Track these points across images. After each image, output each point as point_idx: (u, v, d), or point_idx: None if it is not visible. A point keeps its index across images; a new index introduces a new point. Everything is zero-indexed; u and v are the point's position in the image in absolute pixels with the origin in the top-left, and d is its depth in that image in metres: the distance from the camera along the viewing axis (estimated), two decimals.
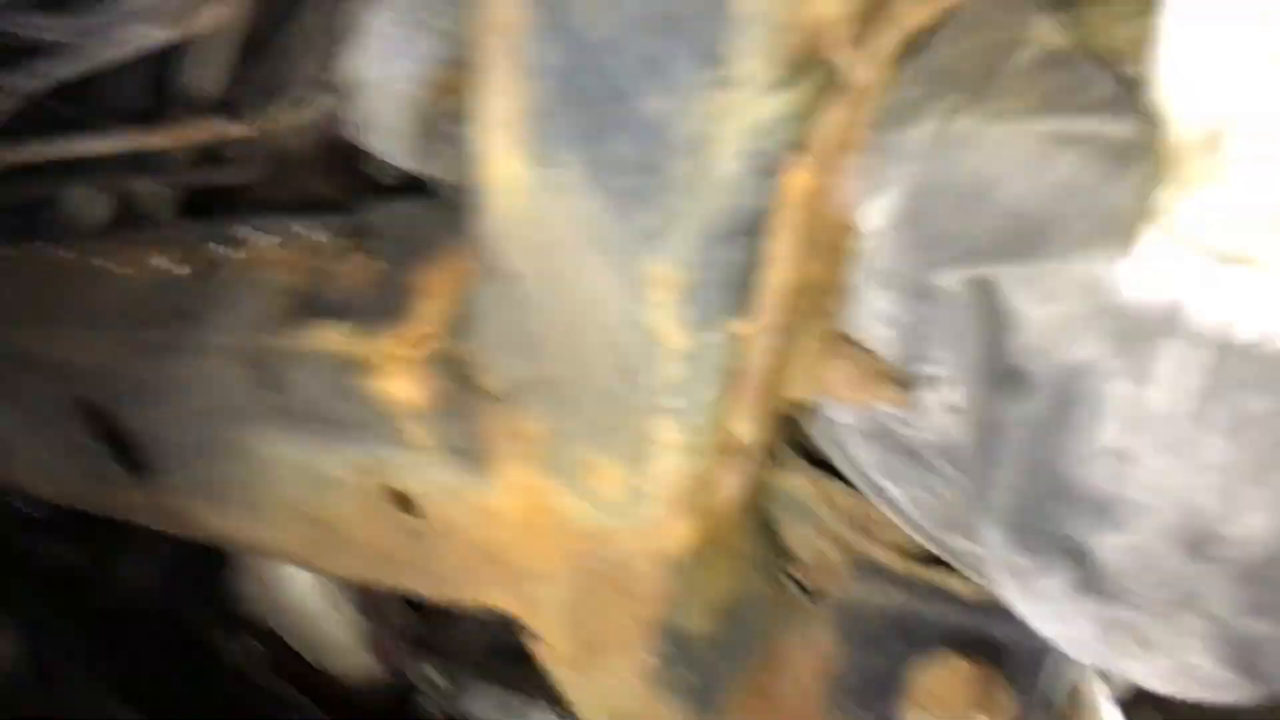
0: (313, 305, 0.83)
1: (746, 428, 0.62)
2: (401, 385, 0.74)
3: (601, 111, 0.54)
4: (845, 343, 0.61)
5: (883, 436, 0.64)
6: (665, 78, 0.50)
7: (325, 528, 0.89)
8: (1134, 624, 0.48)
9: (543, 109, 0.56)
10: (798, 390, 0.63)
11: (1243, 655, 0.46)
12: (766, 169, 0.51)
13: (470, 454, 0.74)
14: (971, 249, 0.44)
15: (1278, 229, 0.40)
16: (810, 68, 0.49)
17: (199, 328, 0.89)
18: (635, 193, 0.54)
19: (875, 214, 0.45)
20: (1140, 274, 0.41)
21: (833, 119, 0.50)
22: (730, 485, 0.68)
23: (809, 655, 0.82)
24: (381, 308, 0.78)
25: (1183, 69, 0.41)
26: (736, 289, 0.56)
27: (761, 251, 0.55)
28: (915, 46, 0.50)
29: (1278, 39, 0.38)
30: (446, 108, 0.81)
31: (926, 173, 0.43)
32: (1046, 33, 0.44)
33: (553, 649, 0.80)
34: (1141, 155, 0.40)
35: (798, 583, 0.83)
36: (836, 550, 0.81)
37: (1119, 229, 0.40)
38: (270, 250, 0.92)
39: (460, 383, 0.72)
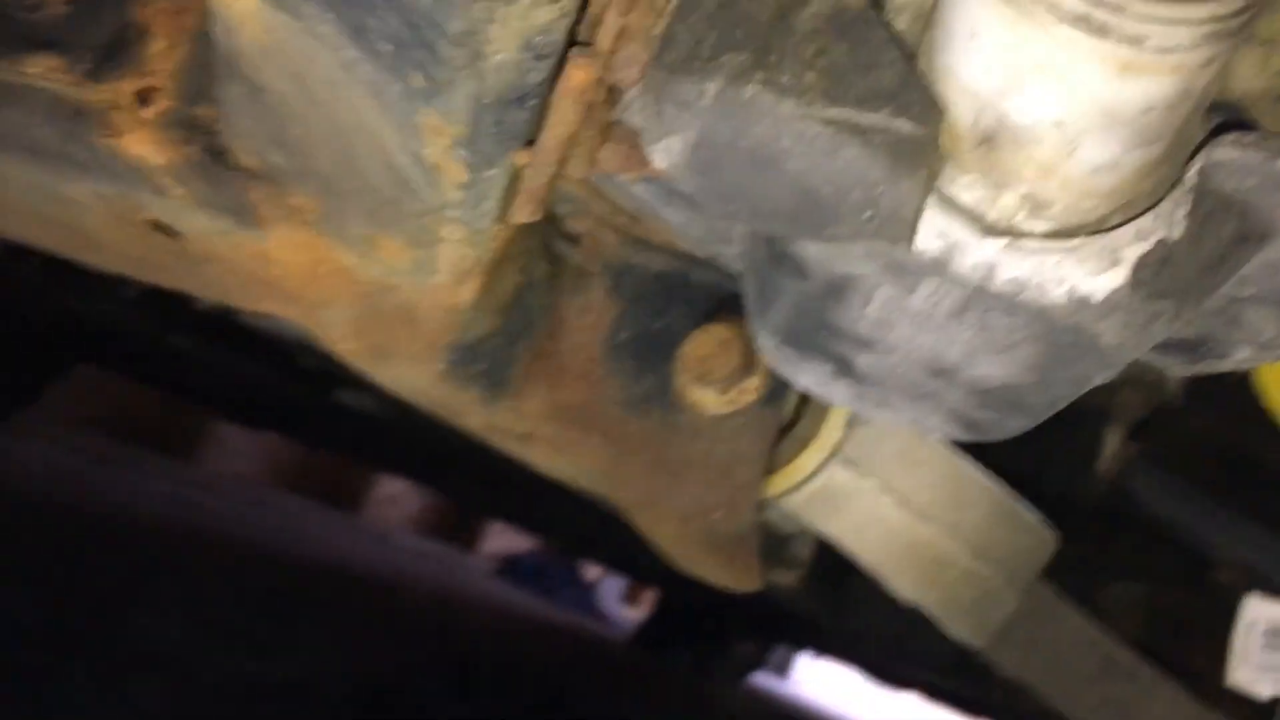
0: (8, 27, 0.73)
1: (529, 213, 0.63)
2: (139, 145, 0.69)
3: None
4: (618, 129, 0.62)
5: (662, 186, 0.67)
6: None
7: (77, 232, 0.86)
8: (882, 398, 0.57)
9: None
10: (576, 172, 0.64)
11: (968, 424, 0.57)
12: (542, 57, 0.49)
13: (236, 212, 0.72)
14: (758, 211, 0.45)
15: (1034, 217, 0.43)
16: None
17: None
18: (406, 59, 0.50)
19: (663, 153, 0.45)
20: (918, 236, 0.44)
21: (615, 11, 0.47)
22: (514, 248, 0.70)
23: (587, 318, 0.89)
24: (96, 42, 0.70)
25: (959, 61, 0.41)
26: (513, 138, 0.55)
27: (540, 110, 0.53)
28: None
29: (1042, 43, 0.39)
30: None
31: (714, 129, 0.43)
32: None
33: (342, 348, 0.84)
34: (924, 152, 0.41)
35: (573, 256, 0.88)
36: (610, 231, 0.85)
37: (901, 225, 0.42)
38: None
39: (210, 153, 0.68)
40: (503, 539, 6.02)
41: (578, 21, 0.49)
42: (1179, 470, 1.54)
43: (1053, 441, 1.47)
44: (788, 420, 0.87)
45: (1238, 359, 0.58)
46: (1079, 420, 1.54)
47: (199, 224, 0.75)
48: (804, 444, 0.86)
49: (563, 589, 5.88)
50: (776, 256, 0.52)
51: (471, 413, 0.89)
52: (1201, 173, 0.43)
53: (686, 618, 4.52)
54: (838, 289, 0.50)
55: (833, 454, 0.84)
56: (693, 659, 4.54)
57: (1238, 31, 0.38)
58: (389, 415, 1.73)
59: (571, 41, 0.49)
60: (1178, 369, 0.61)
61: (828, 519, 0.85)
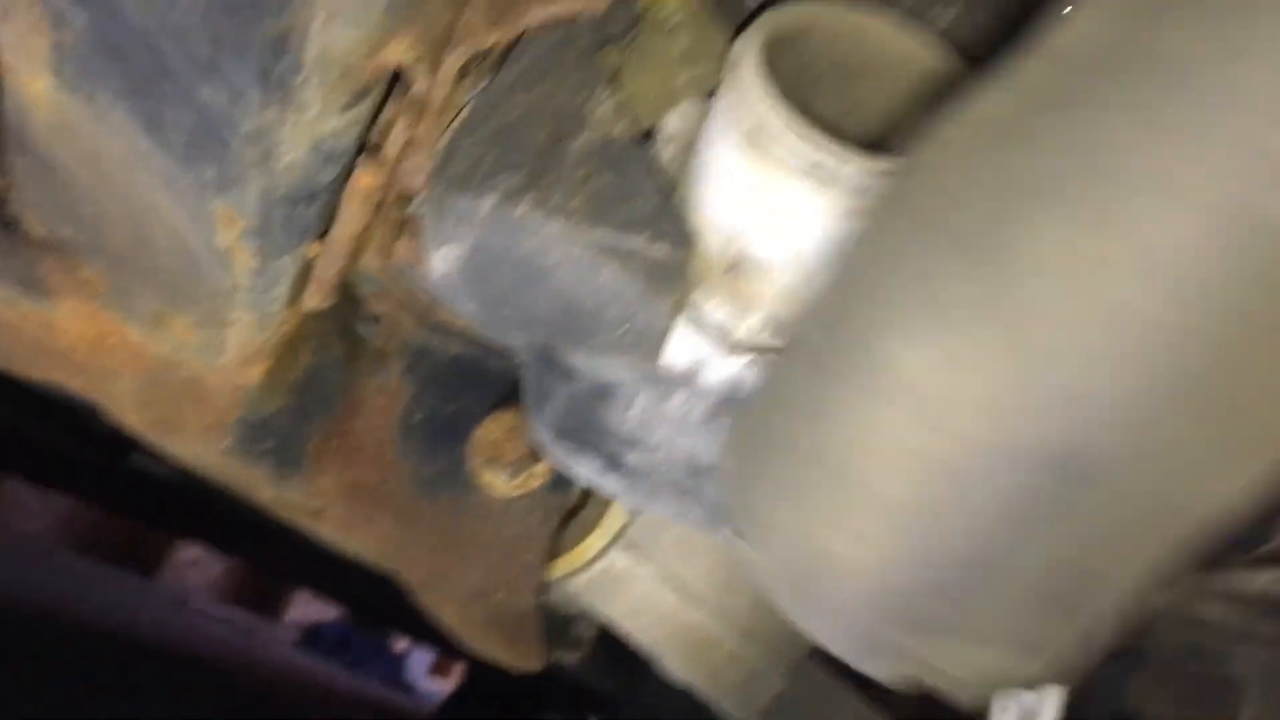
0: None
1: (319, 300, 0.65)
2: None
3: (151, 80, 0.50)
4: (414, 224, 0.65)
5: None
6: (227, 85, 0.47)
7: None
8: (650, 491, 0.61)
9: (76, 54, 0.51)
10: (372, 263, 0.67)
11: (723, 515, 0.61)
12: (331, 160, 0.51)
13: (25, 281, 0.71)
14: (526, 319, 0.49)
15: (775, 336, 0.48)
16: (377, 88, 0.48)
17: None
18: (199, 152, 0.52)
19: (441, 259, 0.48)
20: (670, 351, 0.48)
21: (403, 124, 0.51)
22: (307, 330, 0.71)
23: (383, 398, 0.91)
24: None
25: (711, 197, 0.46)
26: (305, 232, 0.57)
27: (330, 207, 0.55)
28: (484, 63, 0.50)
29: (780, 188, 0.44)
30: None
31: (487, 242, 0.46)
32: (605, 115, 0.47)
33: (129, 420, 0.83)
34: (675, 277, 0.46)
35: (372, 336, 0.90)
36: (409, 315, 0.87)
37: (652, 342, 0.46)
38: None
39: (2, 221, 0.67)
40: (309, 607, 5.82)
41: (369, 129, 0.51)
42: None
43: None
44: (575, 505, 0.90)
45: None
46: None
47: None
48: (589, 529, 0.89)
49: (369, 660, 5.70)
50: (548, 360, 0.55)
51: (261, 488, 0.89)
52: None
53: (495, 690, 4.46)
54: (602, 393, 0.53)
55: (615, 539, 0.88)
56: None
57: None
58: (186, 480, 1.69)
59: (361, 148, 0.52)
60: None
61: (607, 602, 0.88)
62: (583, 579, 0.88)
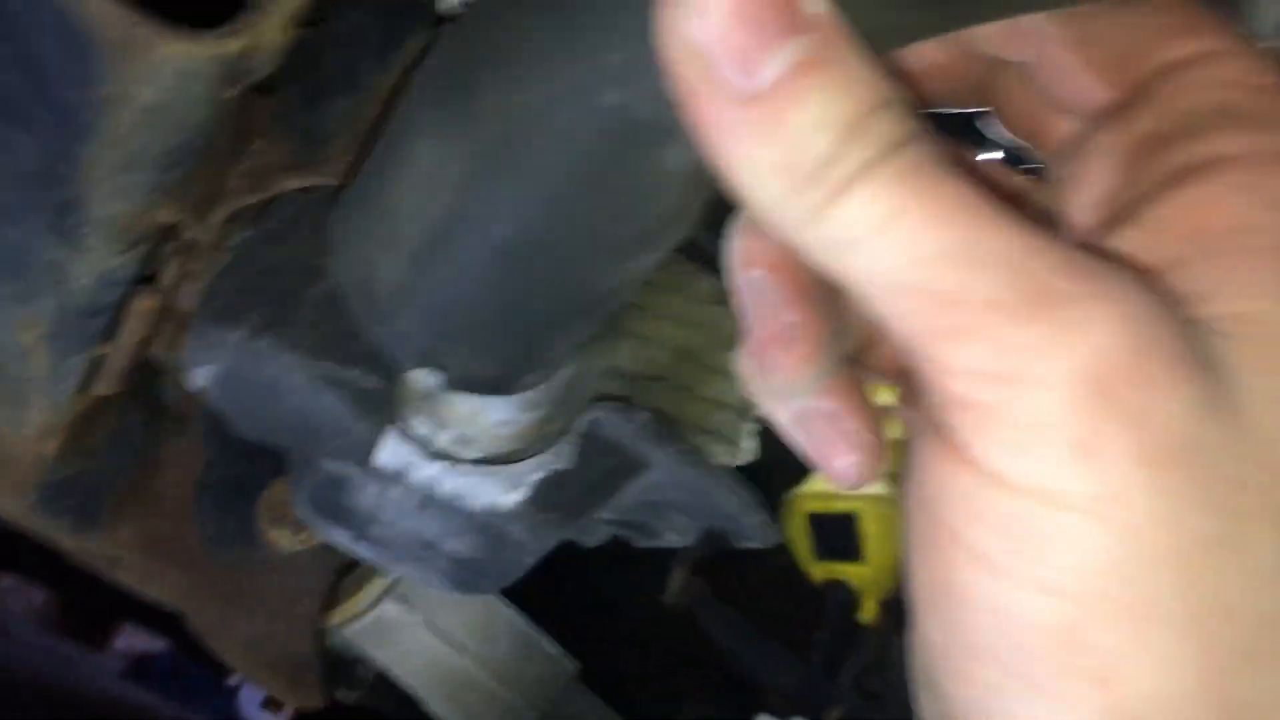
0: None
1: (109, 388, 0.76)
2: None
3: None
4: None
5: None
6: (25, 228, 0.58)
7: None
8: (394, 558, 0.73)
9: None
10: (161, 351, 0.77)
11: (456, 583, 0.73)
12: (114, 286, 0.63)
13: None
14: (268, 429, 0.61)
15: (464, 449, 0.61)
16: (153, 236, 0.60)
17: None
18: (4, 273, 0.63)
19: (200, 376, 0.60)
20: (383, 453, 0.61)
21: (175, 261, 0.62)
22: (106, 405, 0.82)
23: (183, 460, 1.01)
24: None
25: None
26: (94, 337, 0.68)
27: (116, 319, 0.67)
28: (244, 216, 0.62)
29: None
30: None
31: (237, 364, 0.58)
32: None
33: None
34: (381, 402, 0.58)
35: (174, 402, 1.00)
36: None
37: (364, 450, 0.59)
38: None
39: None
40: (136, 638, 5.72)
41: (148, 262, 0.63)
42: (744, 600, 1.78)
43: (629, 577, 1.69)
44: (352, 560, 1.02)
45: (669, 539, 0.78)
46: (651, 560, 1.78)
47: None
48: (364, 581, 1.00)
49: (200, 693, 5.63)
50: (296, 455, 0.67)
51: (62, 539, 0.98)
52: (588, 424, 0.63)
53: None
54: (339, 483, 0.66)
55: (387, 591, 0.99)
56: None
57: None
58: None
59: (142, 277, 0.63)
60: (639, 541, 0.80)
61: (378, 647, 1.00)
62: (357, 626, 0.99)
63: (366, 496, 0.66)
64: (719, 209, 0.37)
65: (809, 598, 1.72)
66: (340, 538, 0.75)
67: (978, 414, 0.28)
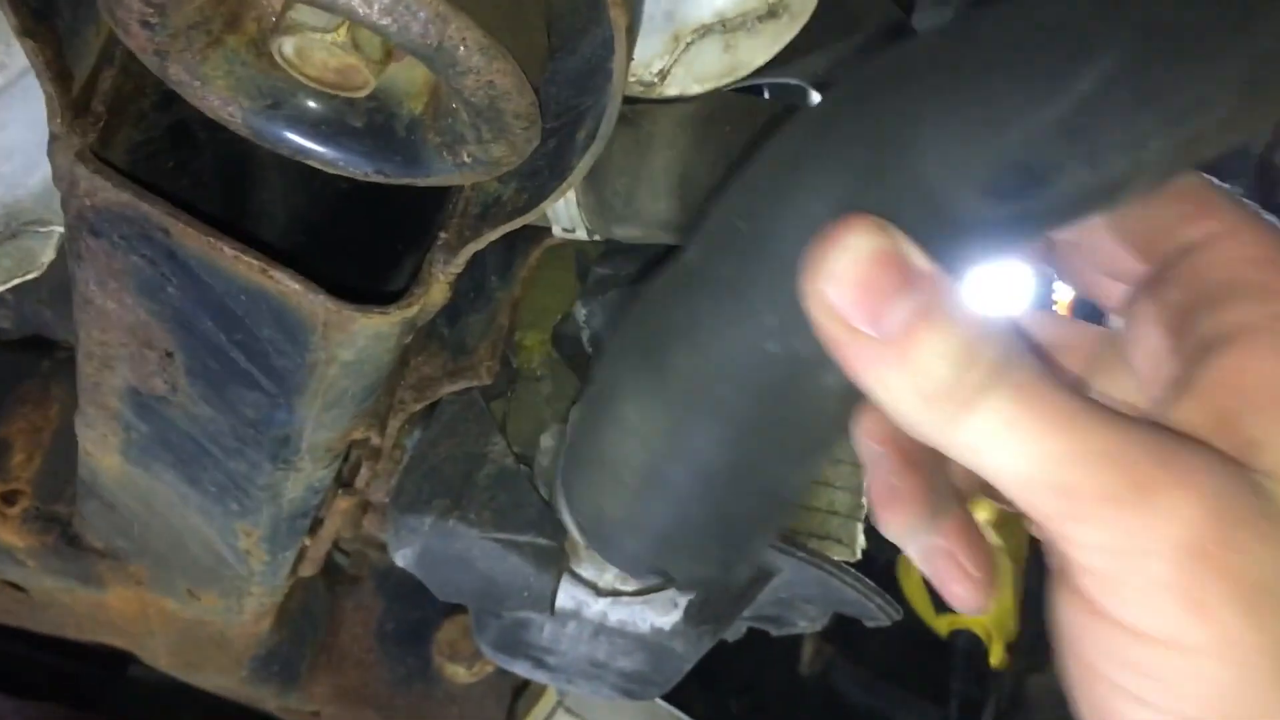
0: None
1: (311, 570, 0.89)
2: (6, 535, 0.91)
3: (193, 458, 0.74)
4: (373, 507, 0.89)
5: None
6: (248, 461, 0.72)
7: None
8: (569, 679, 0.84)
9: (139, 444, 0.75)
10: (346, 533, 0.91)
11: (625, 691, 0.84)
12: (318, 493, 0.76)
13: (82, 578, 0.94)
14: (461, 593, 0.74)
15: (625, 583, 0.73)
16: (347, 450, 0.73)
17: None
18: (226, 495, 0.76)
19: (401, 557, 0.72)
20: (560, 598, 0.73)
21: (366, 466, 0.76)
22: (298, 584, 0.95)
23: (359, 614, 1.14)
24: None
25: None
26: (301, 534, 0.81)
27: (318, 517, 0.80)
28: (412, 421, 0.75)
29: None
30: None
31: (431, 544, 0.71)
32: (499, 453, 0.72)
33: (160, 665, 1.05)
34: (555, 557, 0.71)
35: (347, 565, 1.14)
36: (374, 548, 1.11)
37: (544, 600, 0.71)
38: None
39: (65, 539, 0.91)
40: None
41: (342, 470, 0.76)
42: (872, 659, 1.86)
43: (764, 654, 1.79)
44: (522, 682, 1.14)
45: (801, 627, 0.89)
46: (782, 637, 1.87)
47: (47, 584, 0.96)
48: (535, 699, 1.12)
49: None
50: (485, 609, 0.80)
51: (267, 701, 1.12)
52: None
53: None
54: (522, 624, 0.78)
55: (556, 706, 1.11)
56: None
57: None
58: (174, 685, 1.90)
59: (341, 482, 0.77)
60: (774, 631, 0.91)
61: None
62: None
63: (545, 633, 0.78)
64: None
65: (931, 649, 1.79)
66: (521, 668, 0.87)
67: (1102, 579, 0.34)
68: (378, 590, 1.15)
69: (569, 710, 1.10)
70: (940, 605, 1.67)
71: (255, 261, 0.57)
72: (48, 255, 0.72)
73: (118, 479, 0.80)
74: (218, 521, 0.80)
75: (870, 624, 0.83)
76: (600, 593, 0.73)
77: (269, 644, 1.02)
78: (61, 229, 0.72)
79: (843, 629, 1.91)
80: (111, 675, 1.95)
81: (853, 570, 0.77)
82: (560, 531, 0.72)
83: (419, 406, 0.74)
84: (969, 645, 1.63)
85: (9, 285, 0.72)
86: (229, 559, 0.84)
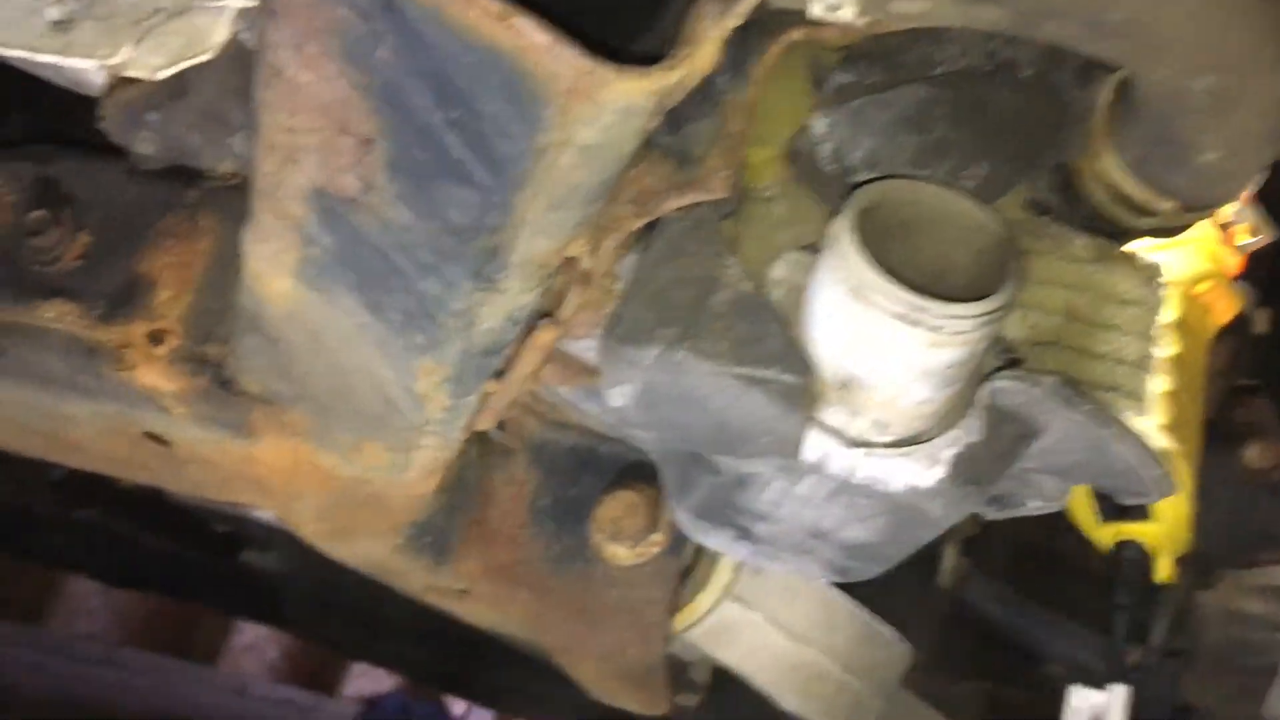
0: (24, 277, 0.87)
1: (489, 424, 0.80)
2: (152, 377, 0.83)
3: (379, 278, 0.65)
4: (557, 354, 0.80)
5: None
6: (444, 280, 0.62)
7: (59, 441, 0.98)
8: (773, 554, 0.75)
9: (319, 263, 0.66)
10: (526, 387, 0.81)
11: (839, 570, 0.74)
12: (517, 324, 0.66)
13: (234, 427, 0.86)
14: (688, 437, 0.63)
15: (880, 433, 0.63)
16: (557, 272, 0.63)
17: None
18: (413, 325, 0.67)
19: (617, 396, 0.63)
20: (805, 446, 0.63)
21: (574, 293, 0.66)
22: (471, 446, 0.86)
23: (512, 488, 1.05)
24: (107, 291, 0.85)
25: (823, 333, 0.61)
26: (487, 375, 0.72)
27: (508, 356, 0.70)
28: (632, 242, 0.65)
29: (876, 327, 0.59)
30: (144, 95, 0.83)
31: (654, 380, 0.61)
32: (735, 277, 0.62)
33: (305, 530, 0.98)
34: (803, 395, 0.60)
35: (499, 437, 1.05)
36: (531, 416, 1.02)
37: (790, 445, 0.61)
38: None
39: (217, 382, 0.82)
40: (364, 680, 5.96)
41: (546, 298, 0.66)
42: (1006, 577, 1.76)
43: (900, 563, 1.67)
44: (686, 566, 1.05)
45: (1031, 507, 0.78)
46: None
47: (192, 435, 0.89)
48: (701, 586, 1.03)
49: None
50: (696, 459, 0.70)
51: (416, 576, 1.04)
52: (990, 395, 0.64)
53: None
54: (743, 481, 0.68)
55: (725, 593, 1.02)
56: None
57: (1001, 318, 0.58)
58: (285, 571, 1.84)
59: (541, 313, 0.67)
60: (991, 514, 0.81)
61: (723, 648, 1.02)
62: (700, 630, 1.02)
63: (768, 495, 0.68)
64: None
65: (1076, 570, 1.68)
66: (718, 539, 0.78)
67: None
68: (532, 464, 1.06)
69: (738, 598, 1.01)
70: (1107, 514, 1.55)
71: (494, 6, 0.47)
72: (219, 34, 0.63)
73: (288, 308, 0.71)
74: (397, 358, 0.71)
75: (1132, 500, 0.72)
76: (850, 443, 0.63)
77: (430, 510, 0.94)
78: (236, 2, 0.62)
79: (983, 538, 1.80)
80: (217, 563, 1.91)
81: (1135, 430, 0.66)
82: (806, 369, 0.61)
83: (640, 223, 0.64)
84: (1136, 558, 1.51)
85: (176, 68, 0.63)
86: (402, 405, 0.75)
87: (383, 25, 0.50)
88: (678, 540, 1.02)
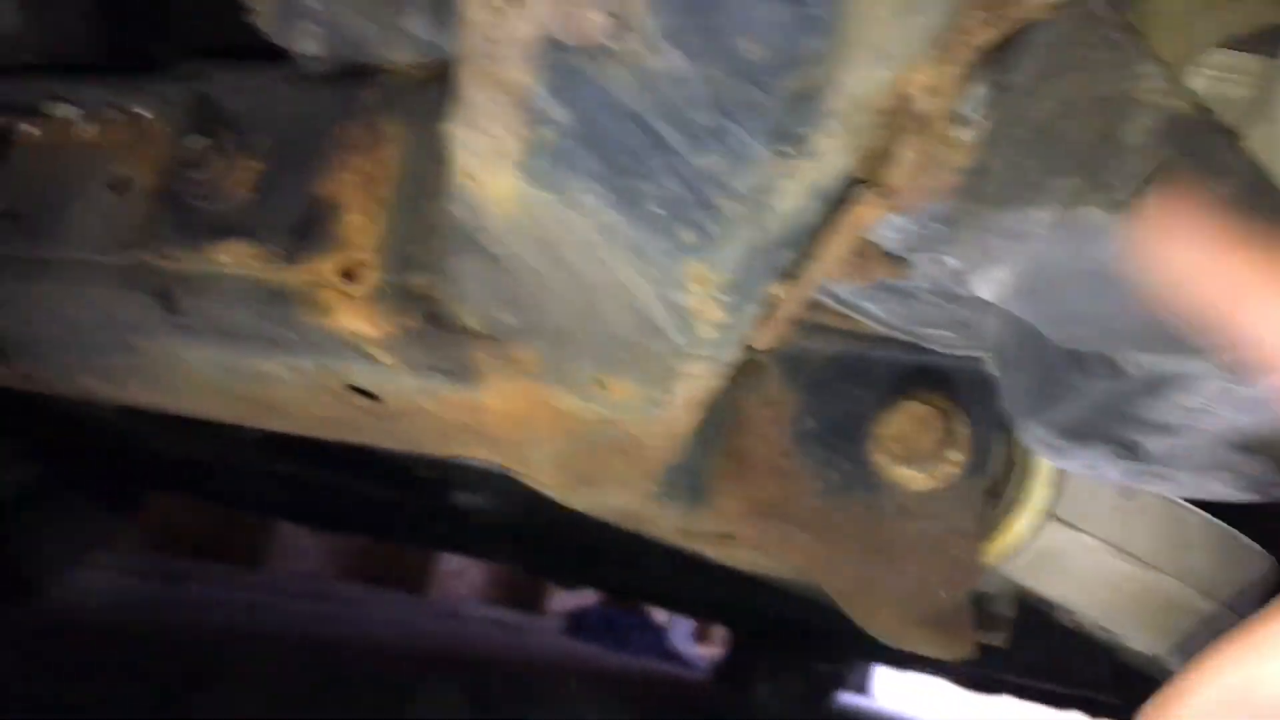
0: (190, 216, 0.73)
1: (770, 341, 0.63)
2: (353, 321, 0.69)
3: (636, 158, 0.48)
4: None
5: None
6: (728, 148, 0.45)
7: (260, 404, 0.86)
8: (1163, 474, 0.56)
9: (553, 148, 0.49)
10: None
11: (1264, 487, 0.55)
12: (826, 200, 0.48)
13: (453, 372, 0.71)
14: (1107, 333, 0.45)
15: None
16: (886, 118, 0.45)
17: (38, 241, 0.77)
18: (680, 218, 0.50)
19: (989, 284, 0.44)
20: None
21: (909, 149, 0.47)
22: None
23: (768, 411, 0.88)
24: (286, 223, 0.70)
25: None
26: (776, 275, 0.54)
27: (809, 248, 0.53)
28: (988, 64, 0.46)
29: None
30: None
31: (1048, 256, 0.43)
32: (1156, 89, 0.42)
33: (541, 483, 0.83)
34: None
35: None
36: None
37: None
38: (81, 129, 0.78)
39: (429, 320, 0.67)
40: (568, 597, 6.02)
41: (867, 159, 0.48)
42: None
43: None
44: (992, 484, 0.86)
45: None
46: None
47: (406, 386, 0.74)
48: (1014, 508, 0.84)
49: (634, 636, 5.86)
50: (1074, 360, 0.51)
51: (671, 522, 0.89)
52: None
53: (762, 649, 4.50)
54: (1156, 386, 0.49)
55: (1045, 514, 0.83)
56: (773, 689, 4.50)
57: None
58: (493, 510, 1.74)
59: (855, 179, 0.49)
60: None
61: (1051, 581, 0.84)
62: (1020, 562, 0.83)
63: (1195, 399, 0.49)
64: None
65: None
66: (1085, 460, 0.59)
67: None
68: (788, 379, 0.89)
69: (1063, 520, 0.81)
70: None
71: None
72: None
73: (512, 214, 0.55)
74: (657, 265, 0.54)
75: None
76: None
77: (688, 451, 0.78)
78: None
79: None
80: (430, 505, 1.83)
81: None
82: None
83: (992, 33, 0.45)
84: None
85: None
86: (664, 325, 0.59)
87: None
88: (980, 455, 0.84)
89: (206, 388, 0.84)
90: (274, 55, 0.73)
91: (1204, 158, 0.40)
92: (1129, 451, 0.55)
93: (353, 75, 0.71)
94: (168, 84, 0.75)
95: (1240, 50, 0.45)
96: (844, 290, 0.70)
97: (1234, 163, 0.40)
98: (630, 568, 1.97)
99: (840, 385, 0.87)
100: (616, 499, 0.82)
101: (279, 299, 0.70)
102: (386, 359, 0.71)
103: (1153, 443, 0.54)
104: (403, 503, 1.80)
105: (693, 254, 0.52)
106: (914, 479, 0.83)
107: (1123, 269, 0.42)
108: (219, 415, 0.89)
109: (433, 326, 0.67)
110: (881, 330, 0.78)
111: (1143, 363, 0.47)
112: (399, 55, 0.69)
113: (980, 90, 0.47)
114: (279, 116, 0.72)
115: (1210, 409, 0.49)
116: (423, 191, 0.66)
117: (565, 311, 0.61)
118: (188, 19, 0.88)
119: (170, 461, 2.12)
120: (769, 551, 0.89)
